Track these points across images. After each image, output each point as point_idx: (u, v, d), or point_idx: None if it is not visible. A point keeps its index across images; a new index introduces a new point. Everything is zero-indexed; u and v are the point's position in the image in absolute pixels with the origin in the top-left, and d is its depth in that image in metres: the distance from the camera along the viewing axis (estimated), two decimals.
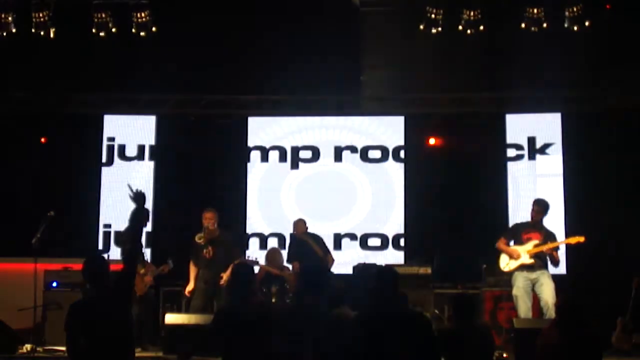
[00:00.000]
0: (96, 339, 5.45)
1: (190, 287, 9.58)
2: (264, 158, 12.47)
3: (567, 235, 9.64)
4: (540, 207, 9.50)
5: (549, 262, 9.28)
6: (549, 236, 9.39)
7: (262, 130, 12.51)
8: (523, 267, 9.27)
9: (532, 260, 9.23)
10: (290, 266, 10.67)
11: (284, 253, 10.93)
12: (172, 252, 10.49)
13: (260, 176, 12.47)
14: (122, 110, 12.25)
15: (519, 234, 9.47)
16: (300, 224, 10.86)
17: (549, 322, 7.76)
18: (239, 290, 5.97)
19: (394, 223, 12.23)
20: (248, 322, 5.64)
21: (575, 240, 9.29)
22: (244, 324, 5.63)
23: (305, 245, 10.55)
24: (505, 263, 9.40)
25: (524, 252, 9.27)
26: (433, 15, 10.86)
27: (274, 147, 12.48)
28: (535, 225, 9.44)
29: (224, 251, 9.59)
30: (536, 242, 9.27)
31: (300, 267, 10.15)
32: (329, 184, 12.41)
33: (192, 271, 9.65)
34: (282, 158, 12.46)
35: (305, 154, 12.46)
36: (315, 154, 12.45)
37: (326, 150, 12.44)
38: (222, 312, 6.58)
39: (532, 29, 10.73)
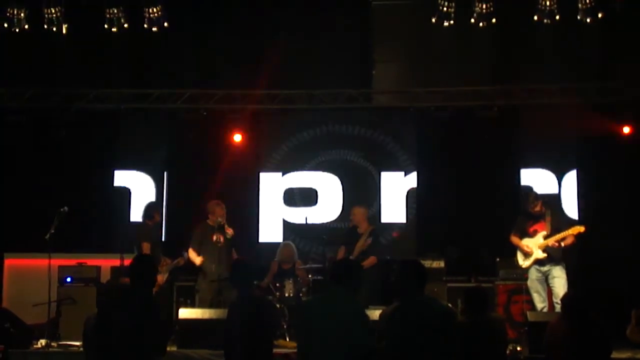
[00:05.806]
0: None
1: (198, 261, 9.88)
2: (276, 152, 12.54)
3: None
4: (528, 199, 9.53)
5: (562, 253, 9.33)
6: (553, 220, 9.39)
7: (274, 125, 12.57)
8: (537, 261, 9.39)
9: (545, 254, 9.33)
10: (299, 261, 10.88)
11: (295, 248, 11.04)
12: (186, 245, 10.48)
13: (273, 170, 12.52)
14: (135, 105, 12.23)
15: (525, 228, 9.54)
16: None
17: (558, 315, 7.79)
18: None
19: (407, 216, 12.23)
20: None
21: (577, 231, 9.27)
22: None
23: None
24: (523, 260, 9.55)
25: (536, 247, 9.41)
26: (445, 8, 10.81)
27: (285, 142, 12.56)
28: (536, 216, 9.48)
29: (231, 245, 9.92)
30: (544, 233, 9.39)
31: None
32: (339, 177, 12.45)
33: (194, 255, 9.97)
34: (293, 151, 12.53)
35: (315, 146, 12.54)
36: (325, 143, 12.54)
37: (338, 142, 12.51)
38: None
39: (545, 21, 10.67)
